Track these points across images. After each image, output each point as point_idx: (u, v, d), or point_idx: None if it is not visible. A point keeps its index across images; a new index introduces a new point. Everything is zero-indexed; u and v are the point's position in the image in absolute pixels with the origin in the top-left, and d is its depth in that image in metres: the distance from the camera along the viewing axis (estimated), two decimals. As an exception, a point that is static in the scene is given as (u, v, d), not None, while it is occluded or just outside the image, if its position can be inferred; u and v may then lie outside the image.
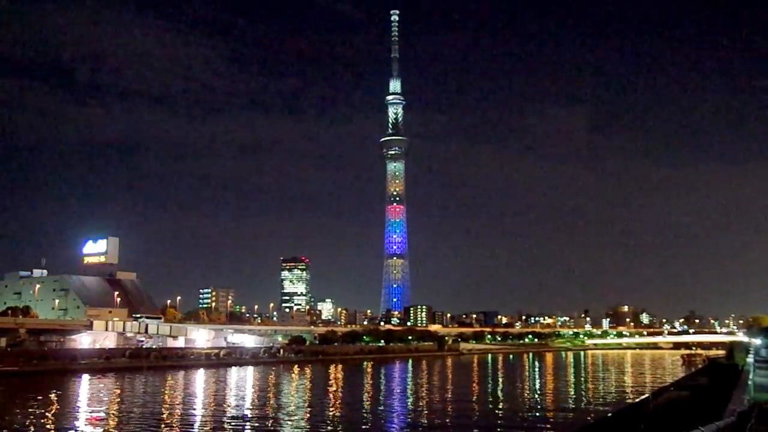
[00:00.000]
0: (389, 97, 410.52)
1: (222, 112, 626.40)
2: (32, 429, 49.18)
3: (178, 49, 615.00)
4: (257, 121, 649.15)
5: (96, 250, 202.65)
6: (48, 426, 51.15)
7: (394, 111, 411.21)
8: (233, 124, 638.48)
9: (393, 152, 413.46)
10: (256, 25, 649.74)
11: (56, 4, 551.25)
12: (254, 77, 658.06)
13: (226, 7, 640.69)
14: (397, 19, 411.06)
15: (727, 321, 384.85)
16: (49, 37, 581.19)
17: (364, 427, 52.05)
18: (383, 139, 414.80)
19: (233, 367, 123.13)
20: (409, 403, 70.08)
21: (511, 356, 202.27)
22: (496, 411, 63.31)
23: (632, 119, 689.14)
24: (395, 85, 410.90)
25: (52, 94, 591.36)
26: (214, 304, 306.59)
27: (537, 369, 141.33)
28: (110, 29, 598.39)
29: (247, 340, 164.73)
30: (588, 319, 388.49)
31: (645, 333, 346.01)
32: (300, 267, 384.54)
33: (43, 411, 59.61)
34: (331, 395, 77.38)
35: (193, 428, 49.87)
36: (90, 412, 59.09)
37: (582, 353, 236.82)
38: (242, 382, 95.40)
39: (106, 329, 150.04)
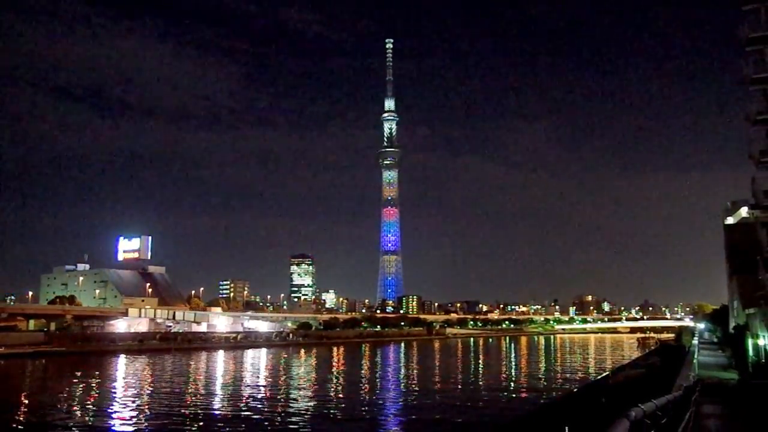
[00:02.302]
0: (384, 114, 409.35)
1: (236, 128, 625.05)
2: (79, 399, 49.44)
3: (197, 73, 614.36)
4: (267, 135, 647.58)
5: (130, 247, 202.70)
6: (91, 396, 51.33)
7: (389, 126, 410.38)
8: (246, 138, 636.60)
9: (388, 162, 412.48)
10: (264, 52, 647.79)
11: (92, 37, 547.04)
12: (263, 97, 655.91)
13: (239, 36, 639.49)
14: (390, 47, 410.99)
15: (676, 308, 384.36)
16: (86, 65, 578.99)
17: (362, 398, 52.31)
18: (379, 151, 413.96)
19: (249, 349, 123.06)
20: (401, 379, 70.17)
21: (490, 340, 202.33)
22: (477, 385, 63.54)
23: (591, 133, 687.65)
24: (389, 103, 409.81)
25: (90, 112, 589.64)
26: (232, 294, 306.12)
27: (513, 351, 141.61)
28: (139, 56, 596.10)
29: (261, 325, 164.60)
30: (557, 307, 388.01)
31: (606, 319, 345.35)
32: (307, 262, 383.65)
33: (86, 385, 59.88)
34: (334, 373, 77.55)
35: (215, 400, 50.08)
36: (126, 386, 59.22)
37: (552, 337, 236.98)
38: (257, 362, 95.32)
39: (140, 316, 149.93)
